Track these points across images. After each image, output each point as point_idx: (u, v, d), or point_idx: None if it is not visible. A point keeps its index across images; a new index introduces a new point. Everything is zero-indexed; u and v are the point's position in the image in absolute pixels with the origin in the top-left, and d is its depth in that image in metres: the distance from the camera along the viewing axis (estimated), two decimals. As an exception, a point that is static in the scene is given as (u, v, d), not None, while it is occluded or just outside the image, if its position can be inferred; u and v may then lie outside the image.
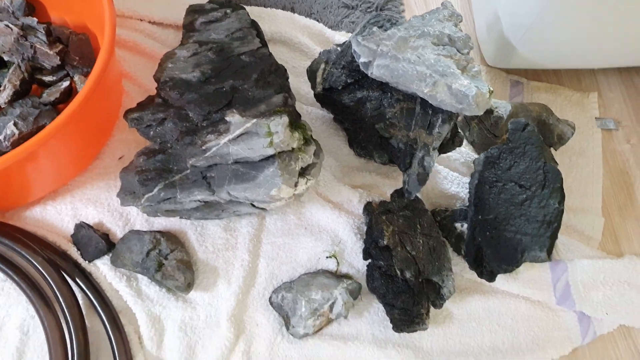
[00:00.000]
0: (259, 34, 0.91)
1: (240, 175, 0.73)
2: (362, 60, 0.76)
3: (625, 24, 0.86)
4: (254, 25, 0.90)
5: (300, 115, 0.81)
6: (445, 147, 0.87)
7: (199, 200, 0.76)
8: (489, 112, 0.95)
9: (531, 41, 0.93)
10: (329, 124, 0.97)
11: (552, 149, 0.98)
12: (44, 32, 0.82)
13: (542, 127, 0.94)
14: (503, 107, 0.94)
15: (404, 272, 0.78)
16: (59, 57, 0.82)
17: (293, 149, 0.74)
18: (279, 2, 1.09)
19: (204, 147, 0.75)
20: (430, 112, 0.79)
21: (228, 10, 0.90)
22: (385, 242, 0.79)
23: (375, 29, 0.79)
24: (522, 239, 0.80)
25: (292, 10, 1.09)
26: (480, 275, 0.83)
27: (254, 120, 0.74)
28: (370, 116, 0.84)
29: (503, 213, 0.82)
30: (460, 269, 0.88)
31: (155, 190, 0.75)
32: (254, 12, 1.05)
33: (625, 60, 1.03)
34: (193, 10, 0.91)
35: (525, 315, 0.87)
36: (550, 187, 0.82)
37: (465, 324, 0.85)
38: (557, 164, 0.86)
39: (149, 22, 1.01)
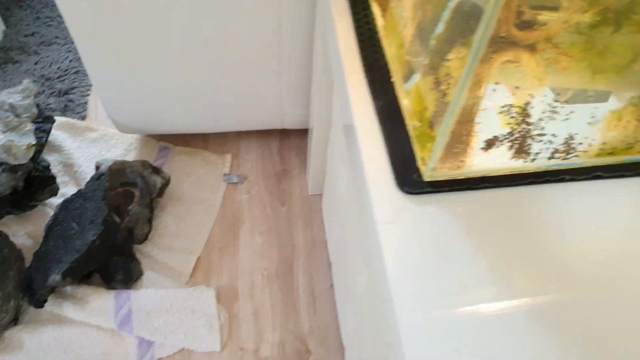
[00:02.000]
0: None
1: None
2: None
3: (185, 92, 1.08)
4: None
5: None
6: (35, 195, 1.03)
7: None
8: (98, 166, 1.12)
9: (128, 113, 1.13)
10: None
11: (166, 197, 1.15)
12: None
13: (142, 178, 1.11)
14: (106, 162, 1.12)
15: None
16: None
17: None
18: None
19: None
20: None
21: None
22: None
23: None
24: (52, 266, 0.93)
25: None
26: (30, 302, 0.95)
27: None
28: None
29: (53, 245, 0.96)
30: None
31: None
32: None
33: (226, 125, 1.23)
34: None
35: (93, 342, 0.98)
36: (95, 222, 0.97)
37: (34, 353, 0.96)
38: (150, 209, 1.02)
39: None
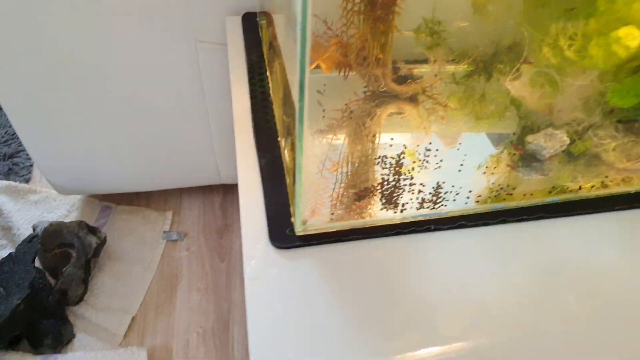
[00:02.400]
0: None
1: None
2: None
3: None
4: None
5: None
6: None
7: None
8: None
9: (65, 175, 1.14)
10: None
11: (105, 257, 1.15)
12: None
13: (78, 239, 1.12)
14: (43, 224, 1.12)
15: None
16: None
17: None
18: None
19: None
20: None
21: None
22: None
23: None
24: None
25: None
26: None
27: None
28: None
29: (-25, 313, 0.95)
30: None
31: None
32: None
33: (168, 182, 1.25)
34: None
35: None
36: (22, 286, 0.96)
37: None
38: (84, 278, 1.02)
39: None
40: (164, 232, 1.26)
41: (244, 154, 0.62)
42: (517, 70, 0.56)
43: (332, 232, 0.54)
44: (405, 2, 0.57)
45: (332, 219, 0.55)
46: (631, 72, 0.54)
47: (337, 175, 0.58)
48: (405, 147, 0.62)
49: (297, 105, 0.41)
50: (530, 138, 0.59)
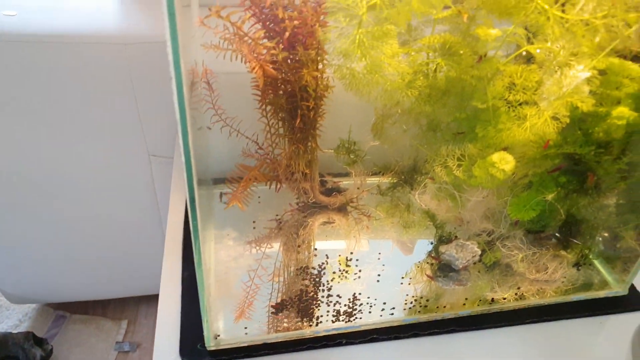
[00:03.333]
0: None
1: None
2: None
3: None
4: None
5: None
6: None
7: None
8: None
9: (15, 284, 1.14)
10: None
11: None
12: None
13: (23, 351, 1.08)
14: (-13, 337, 1.09)
15: None
16: None
17: None
18: None
19: None
20: None
21: None
22: None
23: None
24: None
25: None
26: None
27: None
28: None
29: None
30: None
31: None
32: None
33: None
34: None
35: None
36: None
37: None
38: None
39: None
40: (117, 342, 1.22)
41: (169, 265, 0.63)
42: (424, 185, 0.60)
43: (244, 347, 0.54)
44: (323, 126, 0.63)
45: (245, 334, 0.55)
46: (525, 187, 0.58)
47: (250, 288, 0.59)
48: (327, 257, 0.64)
49: (191, 224, 0.43)
50: (443, 248, 0.62)
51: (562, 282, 0.63)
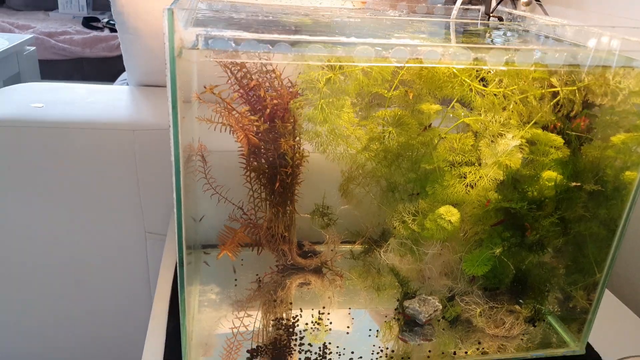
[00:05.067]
0: None
1: None
2: None
3: None
4: None
5: None
6: None
7: None
8: None
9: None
10: None
11: None
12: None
13: None
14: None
15: None
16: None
17: None
18: None
19: None
20: None
21: None
22: None
23: None
24: None
25: None
26: None
27: None
28: None
29: None
30: None
31: None
32: None
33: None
34: None
35: None
36: None
37: None
38: None
39: None
40: None
41: (155, 319, 0.68)
42: (388, 244, 0.67)
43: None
44: (300, 192, 0.72)
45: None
46: (477, 244, 0.65)
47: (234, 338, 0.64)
48: (301, 310, 0.69)
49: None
50: (407, 303, 0.67)
51: (522, 339, 0.67)
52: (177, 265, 0.54)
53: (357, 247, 0.79)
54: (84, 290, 1.08)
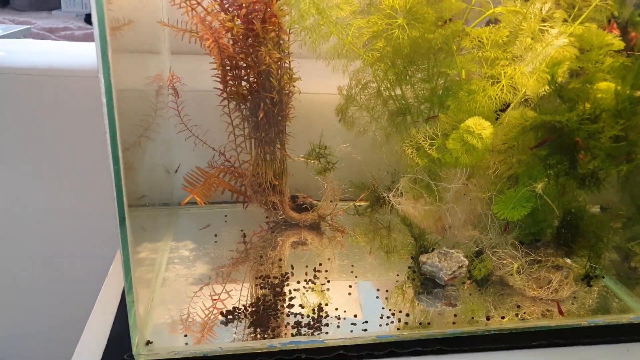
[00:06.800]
0: None
1: None
2: None
3: None
4: None
5: None
6: None
7: None
8: None
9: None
10: None
11: None
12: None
13: None
14: None
15: None
16: None
17: None
18: None
19: None
20: None
21: None
22: None
23: None
24: None
25: None
26: None
27: None
28: None
29: None
30: None
31: None
32: None
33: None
34: None
35: None
36: None
37: None
38: None
39: None
40: None
41: (110, 276, 0.56)
42: (398, 187, 0.54)
43: (181, 358, 0.44)
44: (291, 127, 0.59)
45: (185, 343, 0.46)
46: (512, 181, 0.51)
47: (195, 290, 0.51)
48: (293, 268, 0.56)
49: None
50: (424, 257, 0.53)
51: (572, 302, 0.53)
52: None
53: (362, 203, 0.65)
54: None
